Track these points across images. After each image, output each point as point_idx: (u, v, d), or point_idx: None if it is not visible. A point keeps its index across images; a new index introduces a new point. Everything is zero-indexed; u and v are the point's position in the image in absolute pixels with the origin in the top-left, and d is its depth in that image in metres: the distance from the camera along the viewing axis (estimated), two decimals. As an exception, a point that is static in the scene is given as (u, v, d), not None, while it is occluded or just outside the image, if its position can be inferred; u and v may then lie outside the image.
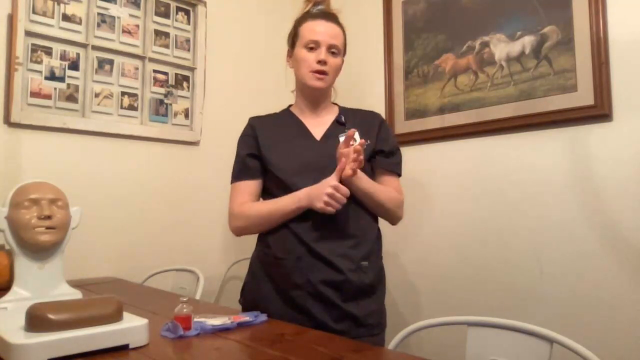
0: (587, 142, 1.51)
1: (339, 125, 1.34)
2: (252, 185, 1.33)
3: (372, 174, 1.33)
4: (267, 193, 1.33)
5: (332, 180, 1.17)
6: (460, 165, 1.82)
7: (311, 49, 1.30)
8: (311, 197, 1.19)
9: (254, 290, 1.31)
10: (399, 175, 1.38)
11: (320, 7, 1.37)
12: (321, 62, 1.28)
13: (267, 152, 1.31)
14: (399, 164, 1.37)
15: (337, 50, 1.32)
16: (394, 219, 1.36)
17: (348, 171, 1.17)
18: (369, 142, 1.29)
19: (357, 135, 1.29)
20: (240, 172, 1.35)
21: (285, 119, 1.39)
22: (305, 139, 1.33)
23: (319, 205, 1.16)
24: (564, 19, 1.56)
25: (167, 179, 2.02)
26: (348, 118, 1.36)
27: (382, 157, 1.34)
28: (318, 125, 1.35)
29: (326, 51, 1.29)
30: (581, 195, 1.52)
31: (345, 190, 1.16)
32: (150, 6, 2.02)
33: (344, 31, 1.37)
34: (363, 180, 1.25)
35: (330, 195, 1.15)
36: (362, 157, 1.16)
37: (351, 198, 1.25)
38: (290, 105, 1.44)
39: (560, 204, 1.55)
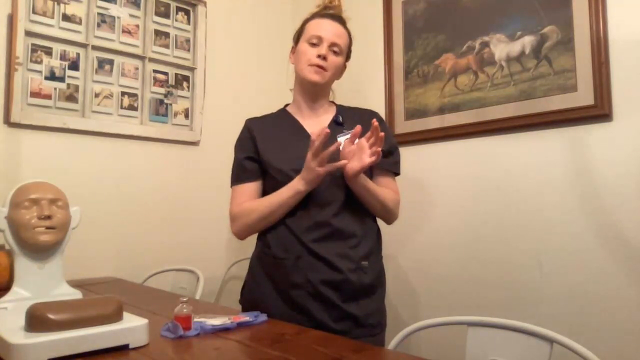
0: (587, 142, 1.51)
1: (336, 126, 1.34)
2: (251, 188, 1.33)
3: (369, 173, 1.33)
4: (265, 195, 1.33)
5: (308, 155, 1.17)
6: (460, 165, 1.82)
7: (313, 44, 1.31)
8: (305, 177, 1.19)
9: (254, 290, 1.31)
10: (398, 174, 1.38)
11: (330, 11, 1.38)
12: (321, 56, 1.29)
13: (266, 154, 1.31)
14: (397, 163, 1.37)
15: (339, 50, 1.32)
16: (391, 219, 1.37)
17: (365, 160, 1.16)
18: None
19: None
20: (238, 176, 1.35)
21: (282, 120, 1.39)
22: (303, 140, 1.32)
23: (317, 172, 1.16)
24: (564, 19, 1.56)
25: (167, 179, 2.02)
26: (346, 117, 1.36)
27: (381, 157, 1.33)
28: (315, 125, 1.35)
29: (327, 48, 1.30)
30: (581, 195, 1.52)
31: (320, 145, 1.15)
32: (150, 6, 2.02)
33: (349, 35, 1.37)
34: (366, 179, 1.25)
35: (316, 160, 1.15)
36: (382, 133, 1.15)
37: (352, 198, 1.26)
38: (286, 105, 1.44)
39: (560, 203, 1.55)
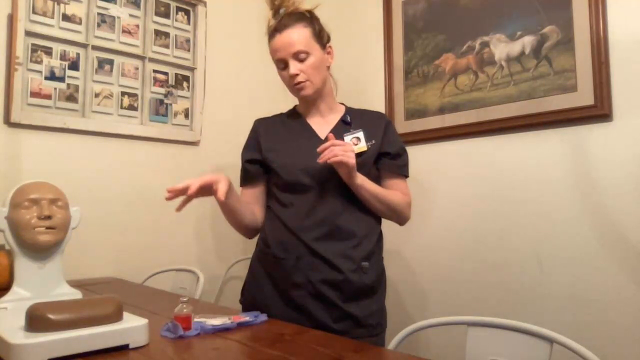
0: (587, 142, 1.51)
1: (344, 125, 1.34)
2: (251, 193, 1.36)
3: (378, 176, 1.34)
4: (272, 197, 1.33)
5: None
6: (460, 165, 1.82)
7: (282, 68, 1.29)
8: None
9: (254, 290, 1.31)
10: (406, 176, 1.38)
11: (281, 11, 1.30)
12: (292, 76, 1.26)
13: (271, 154, 1.32)
14: (405, 165, 1.37)
15: (305, 53, 1.25)
16: (401, 220, 1.37)
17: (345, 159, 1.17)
18: (373, 141, 1.30)
19: (361, 135, 1.30)
20: (242, 179, 1.38)
21: (291, 119, 1.40)
22: (310, 138, 1.33)
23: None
24: (564, 19, 1.56)
25: (167, 179, 2.01)
26: (354, 118, 1.37)
27: (389, 160, 1.34)
28: (323, 124, 1.35)
29: (293, 62, 1.25)
30: (581, 195, 1.52)
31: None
32: (150, 6, 2.02)
33: (308, 24, 1.28)
34: (370, 183, 1.26)
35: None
36: (344, 155, 1.15)
37: (353, 198, 1.26)
38: (296, 105, 1.44)
39: (560, 203, 1.55)
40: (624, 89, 1.44)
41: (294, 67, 1.25)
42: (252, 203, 1.35)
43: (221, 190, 1.13)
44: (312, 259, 1.21)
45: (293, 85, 1.28)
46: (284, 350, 0.87)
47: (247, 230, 1.36)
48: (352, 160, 1.17)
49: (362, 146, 1.28)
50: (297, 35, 1.25)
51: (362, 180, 1.23)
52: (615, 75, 1.46)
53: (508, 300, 1.65)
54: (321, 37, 1.30)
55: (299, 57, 1.25)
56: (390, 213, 1.32)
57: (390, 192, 1.32)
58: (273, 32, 1.28)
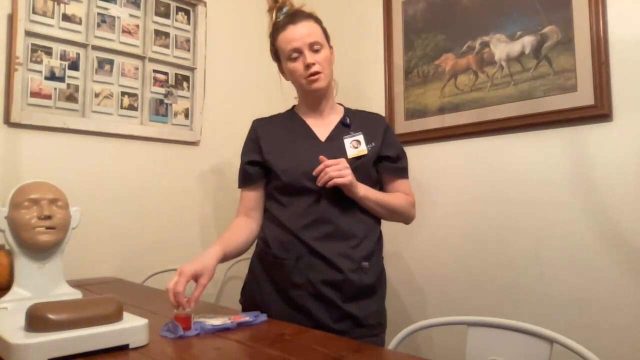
0: (587, 142, 1.51)
1: (343, 127, 1.34)
2: (250, 196, 1.36)
3: (377, 178, 1.35)
4: (272, 198, 1.33)
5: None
6: (460, 165, 1.82)
7: (295, 58, 1.28)
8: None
9: (254, 290, 1.31)
10: (406, 178, 1.39)
11: (284, 9, 1.33)
12: (309, 65, 1.26)
13: (271, 156, 1.31)
14: (405, 169, 1.39)
15: (319, 44, 1.28)
16: (407, 220, 1.39)
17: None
18: (373, 144, 1.31)
19: (361, 138, 1.30)
20: (242, 180, 1.38)
21: (290, 120, 1.39)
22: (310, 140, 1.33)
23: None
24: (564, 19, 1.56)
25: (167, 179, 2.02)
26: (353, 120, 1.36)
27: (389, 163, 1.35)
28: (323, 126, 1.35)
29: (309, 52, 1.27)
30: (581, 195, 1.52)
31: None
32: (150, 6, 2.01)
33: (317, 21, 1.33)
34: (373, 192, 1.27)
35: None
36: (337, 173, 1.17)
37: (352, 199, 1.26)
38: (294, 106, 1.44)
39: (560, 204, 1.55)
40: (624, 89, 1.44)
41: (310, 57, 1.26)
42: (253, 208, 1.35)
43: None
44: (312, 258, 1.21)
45: (308, 76, 1.27)
46: (284, 350, 0.87)
47: (250, 246, 1.36)
48: (348, 179, 1.18)
49: (363, 149, 1.29)
50: (312, 28, 1.29)
51: (364, 191, 1.24)
52: (615, 75, 1.46)
53: (508, 300, 1.65)
54: (327, 36, 1.34)
55: (314, 48, 1.28)
56: (395, 217, 1.34)
57: (393, 195, 1.33)
58: (285, 24, 1.29)
